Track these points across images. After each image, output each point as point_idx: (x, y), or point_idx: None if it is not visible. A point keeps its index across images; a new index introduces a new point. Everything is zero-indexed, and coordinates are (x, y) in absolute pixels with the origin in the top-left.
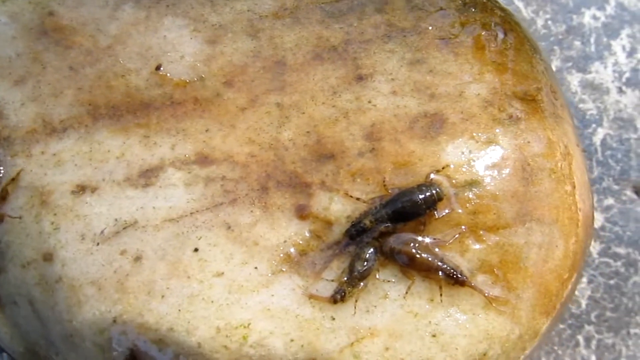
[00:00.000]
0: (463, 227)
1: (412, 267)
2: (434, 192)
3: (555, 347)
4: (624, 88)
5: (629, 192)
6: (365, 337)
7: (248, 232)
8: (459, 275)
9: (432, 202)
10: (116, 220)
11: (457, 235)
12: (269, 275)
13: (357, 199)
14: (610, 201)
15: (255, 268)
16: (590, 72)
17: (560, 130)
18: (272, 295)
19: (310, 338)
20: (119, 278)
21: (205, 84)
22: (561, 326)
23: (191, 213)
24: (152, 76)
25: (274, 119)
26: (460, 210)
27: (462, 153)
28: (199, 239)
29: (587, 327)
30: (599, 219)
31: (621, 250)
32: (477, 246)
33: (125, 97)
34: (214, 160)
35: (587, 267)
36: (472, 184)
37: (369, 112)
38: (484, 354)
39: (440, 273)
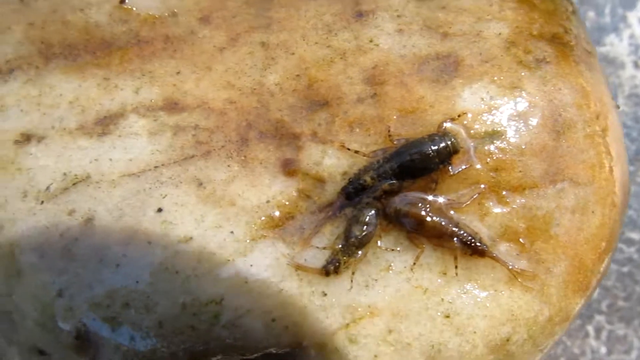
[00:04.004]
0: (482, 185)
1: (422, 232)
2: (448, 143)
3: (564, 338)
4: None
5: None
6: (364, 317)
7: (223, 190)
8: (478, 244)
9: (447, 155)
10: (65, 174)
11: (475, 196)
12: (248, 241)
13: (356, 151)
14: None
15: (231, 233)
16: (604, 45)
17: (595, 79)
18: (251, 266)
19: (297, 318)
20: (65, 243)
21: (178, 20)
22: None
23: (155, 167)
24: (116, 10)
25: (257, 60)
26: (479, 166)
27: (482, 99)
28: (164, 198)
29: (597, 317)
30: None
31: (635, 236)
32: (500, 209)
33: (84, 34)
34: (185, 107)
35: None
36: (494, 135)
37: (370, 52)
38: (507, 339)
39: (455, 240)
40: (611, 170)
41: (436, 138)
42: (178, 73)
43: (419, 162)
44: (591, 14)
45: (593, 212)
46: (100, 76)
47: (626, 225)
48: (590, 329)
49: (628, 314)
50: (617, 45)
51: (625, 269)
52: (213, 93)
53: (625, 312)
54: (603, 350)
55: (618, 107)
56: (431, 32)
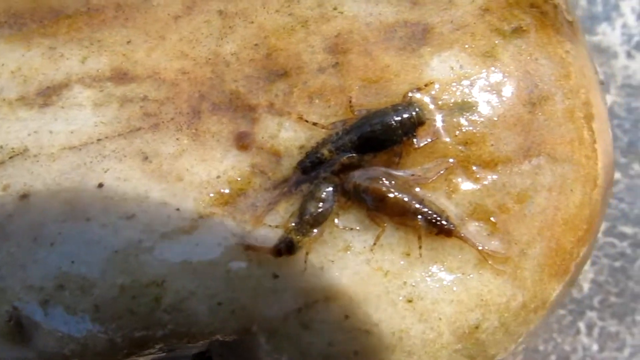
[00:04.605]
0: (451, 160)
1: (383, 210)
2: (413, 113)
3: (554, 335)
4: (633, 52)
5: (637, 166)
6: (318, 302)
7: (170, 165)
8: (444, 222)
9: (411, 127)
10: (1, 147)
11: (442, 171)
12: (195, 219)
13: (314, 123)
14: (616, 175)
15: (177, 210)
16: (596, 34)
17: (576, 51)
18: (197, 245)
19: (245, 301)
20: None
21: None
22: (561, 312)
23: (98, 140)
24: None
25: (214, 29)
26: (447, 139)
27: (451, 68)
28: (106, 172)
29: (589, 314)
30: None
31: (628, 230)
32: (469, 186)
33: (31, 2)
34: (135, 77)
35: None
36: (464, 106)
37: (334, 20)
38: (476, 327)
39: (419, 218)
40: (593, 146)
41: (400, 108)
42: (129, 42)
43: (380, 134)
44: (583, 3)
45: (572, 190)
46: (46, 45)
47: (618, 218)
48: (581, 325)
49: (620, 310)
50: (609, 35)
51: (617, 264)
52: (165, 63)
53: (617, 308)
54: (595, 347)
55: (602, 83)
56: (400, 0)
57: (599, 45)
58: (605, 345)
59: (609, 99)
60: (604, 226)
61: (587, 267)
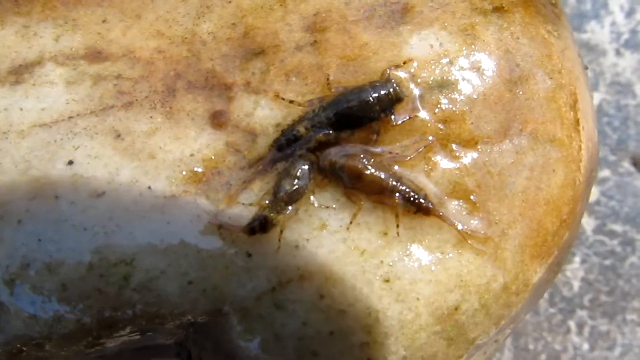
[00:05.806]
0: (430, 137)
1: (360, 188)
2: (390, 89)
3: (545, 334)
4: (622, 50)
5: (627, 164)
6: (292, 281)
7: (143, 143)
8: (422, 200)
9: (389, 103)
10: None
11: (421, 149)
12: (166, 196)
13: (291, 101)
14: (606, 173)
15: (149, 188)
16: (585, 32)
17: (559, 33)
18: (168, 223)
19: (217, 280)
20: None
21: None
22: (551, 310)
23: (69, 117)
24: None
25: (191, 8)
26: (426, 117)
27: (431, 46)
28: (76, 149)
29: (579, 312)
30: (594, 193)
31: (618, 228)
32: (449, 164)
33: None
34: (109, 56)
35: (581, 246)
36: (443, 84)
37: None
38: (455, 308)
39: (397, 197)
40: (576, 127)
41: (377, 84)
42: (104, 21)
43: (357, 110)
44: (572, 1)
45: (554, 170)
46: (19, 24)
47: (608, 216)
48: (572, 324)
49: (611, 309)
50: (598, 33)
51: (607, 262)
52: (141, 42)
53: (608, 307)
54: (585, 346)
55: (586, 67)
56: None
57: (588, 43)
58: (596, 344)
59: (598, 96)
60: (593, 224)
61: (577, 265)
